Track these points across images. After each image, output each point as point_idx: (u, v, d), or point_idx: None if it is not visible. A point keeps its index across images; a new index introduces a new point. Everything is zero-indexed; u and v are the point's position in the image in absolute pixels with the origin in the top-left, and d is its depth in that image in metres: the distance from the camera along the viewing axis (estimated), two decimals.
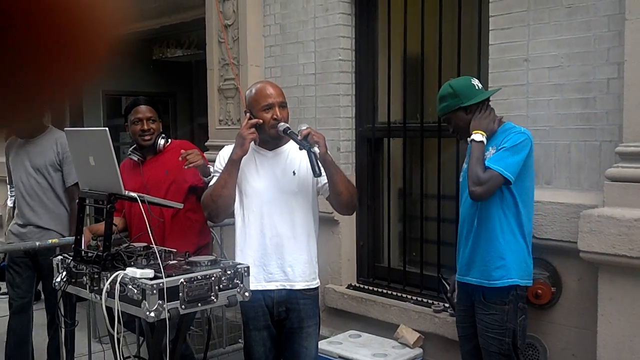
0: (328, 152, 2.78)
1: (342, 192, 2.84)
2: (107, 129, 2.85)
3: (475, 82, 3.07)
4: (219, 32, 5.16)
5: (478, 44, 3.89)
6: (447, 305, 3.99)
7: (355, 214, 4.41)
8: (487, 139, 2.92)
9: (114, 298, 2.60)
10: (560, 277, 3.37)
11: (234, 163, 2.84)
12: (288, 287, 2.94)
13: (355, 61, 4.60)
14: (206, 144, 5.28)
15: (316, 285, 3.00)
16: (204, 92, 5.54)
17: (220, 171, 2.92)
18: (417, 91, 4.33)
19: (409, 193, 4.55)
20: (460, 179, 3.17)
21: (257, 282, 2.91)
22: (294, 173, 2.93)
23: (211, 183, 2.96)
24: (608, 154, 3.20)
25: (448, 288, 3.33)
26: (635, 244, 2.87)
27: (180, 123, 7.03)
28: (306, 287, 2.96)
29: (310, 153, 2.70)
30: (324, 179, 2.87)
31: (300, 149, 2.75)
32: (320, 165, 2.71)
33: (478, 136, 2.90)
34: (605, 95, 3.23)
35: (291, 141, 2.92)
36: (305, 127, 2.75)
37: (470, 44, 4.00)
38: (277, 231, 2.93)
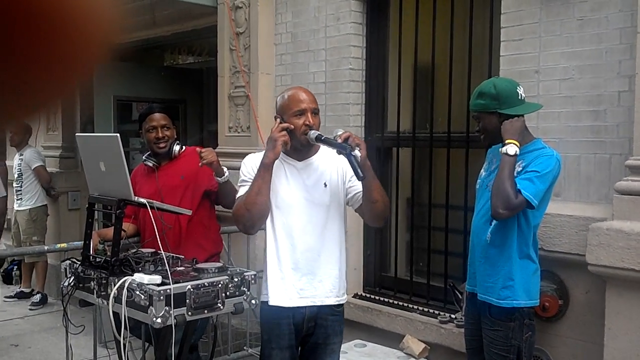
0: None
1: (378, 201, 2.71)
2: (118, 135, 2.87)
3: (521, 90, 2.90)
4: (230, 39, 5.18)
5: (489, 55, 3.89)
6: (453, 316, 3.97)
7: (363, 222, 4.42)
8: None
9: (121, 303, 2.62)
10: (567, 290, 3.35)
11: (266, 168, 2.67)
12: (319, 304, 2.81)
13: (366, 70, 4.61)
14: (216, 150, 5.29)
15: (345, 300, 2.91)
16: (214, 99, 5.56)
17: (249, 180, 2.77)
18: (427, 101, 4.34)
19: (417, 203, 4.54)
20: (477, 186, 3.08)
21: (288, 299, 2.79)
22: (325, 185, 2.82)
23: (240, 194, 2.80)
24: (618, 167, 3.19)
25: (460, 297, 3.27)
26: None
27: (190, 130, 7.05)
28: (336, 303, 2.86)
29: (351, 157, 2.55)
30: (355, 189, 2.78)
31: (339, 153, 2.60)
32: (362, 168, 2.58)
33: (512, 148, 2.74)
34: (616, 108, 3.22)
35: (320, 152, 2.84)
36: (342, 131, 2.64)
37: (481, 54, 4.00)
38: (308, 245, 2.79)
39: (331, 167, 2.83)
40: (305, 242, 2.79)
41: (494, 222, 2.86)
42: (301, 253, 2.78)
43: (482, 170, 3.10)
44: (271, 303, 2.76)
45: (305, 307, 2.79)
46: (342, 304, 2.90)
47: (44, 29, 0.46)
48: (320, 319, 2.83)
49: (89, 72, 0.51)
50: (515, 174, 2.77)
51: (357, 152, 2.56)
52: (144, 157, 3.69)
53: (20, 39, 0.45)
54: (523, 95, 2.91)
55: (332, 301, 2.82)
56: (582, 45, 3.32)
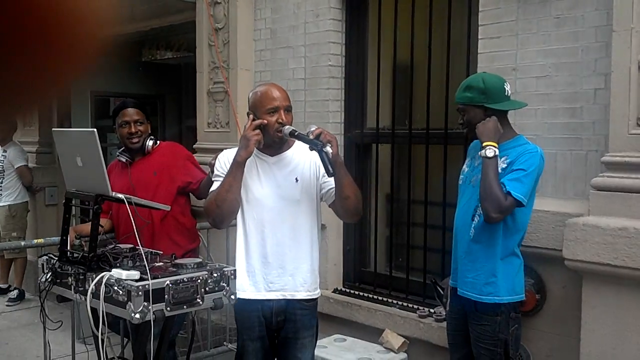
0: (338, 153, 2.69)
1: (350, 197, 2.73)
2: (95, 130, 2.84)
3: (507, 87, 2.94)
4: (209, 35, 5.16)
5: (467, 52, 3.92)
6: (432, 310, 4.00)
7: None
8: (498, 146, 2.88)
9: (99, 299, 2.60)
10: (544, 284, 3.39)
11: (238, 165, 2.72)
12: (288, 297, 2.86)
13: (345, 67, 4.62)
14: (195, 146, 5.27)
15: (317, 295, 2.93)
16: (192, 95, 5.53)
17: (222, 175, 2.81)
18: (406, 97, 4.36)
19: (396, 199, 4.57)
20: (460, 182, 3.10)
21: (256, 292, 2.86)
22: (296, 180, 2.84)
23: (212, 188, 2.86)
24: (594, 164, 3.23)
25: (442, 293, 3.28)
26: (619, 252, 2.89)
27: (168, 125, 7.02)
28: (307, 297, 2.88)
29: (322, 153, 2.59)
30: (329, 185, 2.80)
31: (311, 149, 2.64)
32: (333, 165, 2.60)
33: (491, 151, 2.75)
34: (592, 106, 3.26)
35: (294, 147, 2.86)
36: (315, 127, 2.66)
37: (459, 51, 4.02)
38: (278, 239, 2.84)
39: (304, 162, 2.85)
40: (275, 236, 2.84)
41: (478, 218, 2.88)
42: (271, 247, 2.84)
43: (465, 166, 3.12)
44: (239, 295, 2.83)
45: (273, 300, 2.86)
46: (313, 299, 2.92)
47: (38, 26, 0.46)
48: (289, 313, 2.87)
49: (87, 66, 0.51)
50: (499, 170, 2.80)
51: (328, 149, 2.59)
52: (117, 153, 3.66)
53: (14, 37, 0.45)
54: (509, 91, 2.95)
55: (302, 295, 2.87)
56: (559, 43, 3.36)
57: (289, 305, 2.87)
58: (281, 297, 2.86)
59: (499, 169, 2.81)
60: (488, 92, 2.88)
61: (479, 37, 3.67)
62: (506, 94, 2.93)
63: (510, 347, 2.91)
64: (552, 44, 3.38)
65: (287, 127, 2.76)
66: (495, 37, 3.59)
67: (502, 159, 2.85)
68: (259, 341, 2.91)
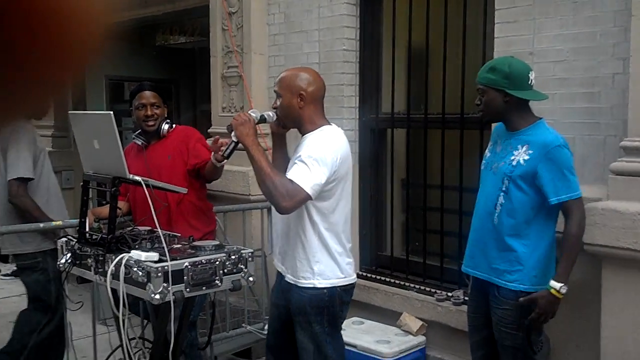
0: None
1: (259, 185, 2.78)
2: (111, 112, 2.85)
3: (532, 76, 2.89)
4: (223, 19, 5.15)
5: (483, 36, 3.89)
6: (449, 294, 4.01)
7: (358, 203, 4.43)
8: (515, 134, 2.87)
9: (119, 280, 2.62)
10: None
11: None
12: (285, 276, 2.97)
13: (360, 51, 4.60)
14: (209, 130, 5.28)
15: (307, 285, 2.86)
16: (206, 79, 5.53)
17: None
18: (422, 82, 4.34)
19: (412, 183, 4.56)
20: (482, 167, 3.07)
21: (276, 261, 3.07)
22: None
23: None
24: (612, 148, 3.22)
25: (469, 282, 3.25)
26: (639, 237, 2.89)
27: (182, 110, 7.03)
28: (293, 283, 2.90)
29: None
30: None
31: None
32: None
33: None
34: (610, 90, 3.24)
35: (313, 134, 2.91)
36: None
37: (475, 36, 4.00)
38: (278, 226, 3.03)
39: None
40: (277, 224, 3.06)
41: (503, 206, 2.86)
42: (276, 231, 3.09)
43: (487, 151, 3.09)
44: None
45: (282, 275, 2.99)
46: (310, 287, 2.86)
47: (40, 19, 0.46)
48: (287, 291, 2.95)
49: (93, 53, 0.51)
50: (522, 162, 2.79)
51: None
52: (133, 136, 3.67)
53: (17, 32, 0.45)
54: (533, 81, 2.91)
55: (290, 279, 2.92)
56: (577, 27, 3.33)
57: (288, 284, 2.95)
58: (284, 274, 2.99)
59: (521, 159, 2.80)
60: (512, 78, 2.85)
61: (495, 21, 3.65)
62: (530, 82, 2.89)
63: (532, 332, 2.89)
64: (570, 28, 3.36)
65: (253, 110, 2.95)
66: (512, 22, 3.56)
67: (523, 146, 2.83)
68: (275, 308, 3.12)
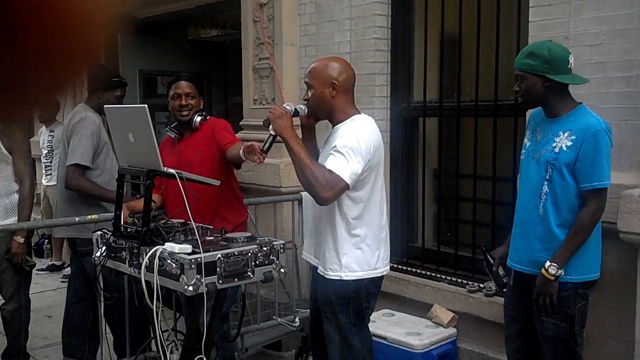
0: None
1: (298, 175, 2.80)
2: (146, 106, 2.87)
3: (572, 60, 2.84)
4: (254, 11, 5.15)
5: (517, 21, 3.83)
6: (481, 285, 3.96)
7: (389, 193, 4.41)
8: (555, 121, 2.82)
9: (153, 272, 2.65)
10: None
11: None
12: (316, 266, 3.02)
13: (391, 39, 4.56)
14: (241, 123, 5.30)
15: (334, 277, 2.87)
16: (238, 72, 5.55)
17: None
18: (454, 70, 4.28)
19: (444, 173, 4.52)
20: (522, 157, 3.01)
21: (307, 253, 3.13)
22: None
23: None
24: None
25: (492, 262, 3.21)
26: None
27: (214, 103, 7.07)
28: (321, 273, 2.94)
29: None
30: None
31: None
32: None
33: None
34: None
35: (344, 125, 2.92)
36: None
37: (509, 21, 3.94)
38: (311, 217, 3.12)
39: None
40: (308, 216, 3.21)
41: (548, 195, 2.81)
42: (307, 223, 3.22)
43: (526, 139, 3.02)
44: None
45: (315, 267, 3.03)
46: (337, 279, 2.87)
47: (50, 14, 0.45)
48: (317, 282, 3.00)
49: (98, 46, 0.51)
50: (564, 148, 2.74)
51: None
52: (167, 128, 3.70)
53: (29, 27, 0.45)
54: (572, 64, 2.85)
55: (320, 271, 2.95)
56: (613, 9, 3.25)
57: (318, 275, 3.00)
58: (316, 265, 3.04)
59: (563, 146, 2.75)
60: (552, 62, 2.79)
61: (530, 5, 3.58)
62: (569, 66, 2.83)
63: (576, 323, 2.83)
64: (606, 10, 3.28)
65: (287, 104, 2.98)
66: (547, 5, 3.49)
67: (565, 133, 2.77)
68: (312, 301, 3.17)
